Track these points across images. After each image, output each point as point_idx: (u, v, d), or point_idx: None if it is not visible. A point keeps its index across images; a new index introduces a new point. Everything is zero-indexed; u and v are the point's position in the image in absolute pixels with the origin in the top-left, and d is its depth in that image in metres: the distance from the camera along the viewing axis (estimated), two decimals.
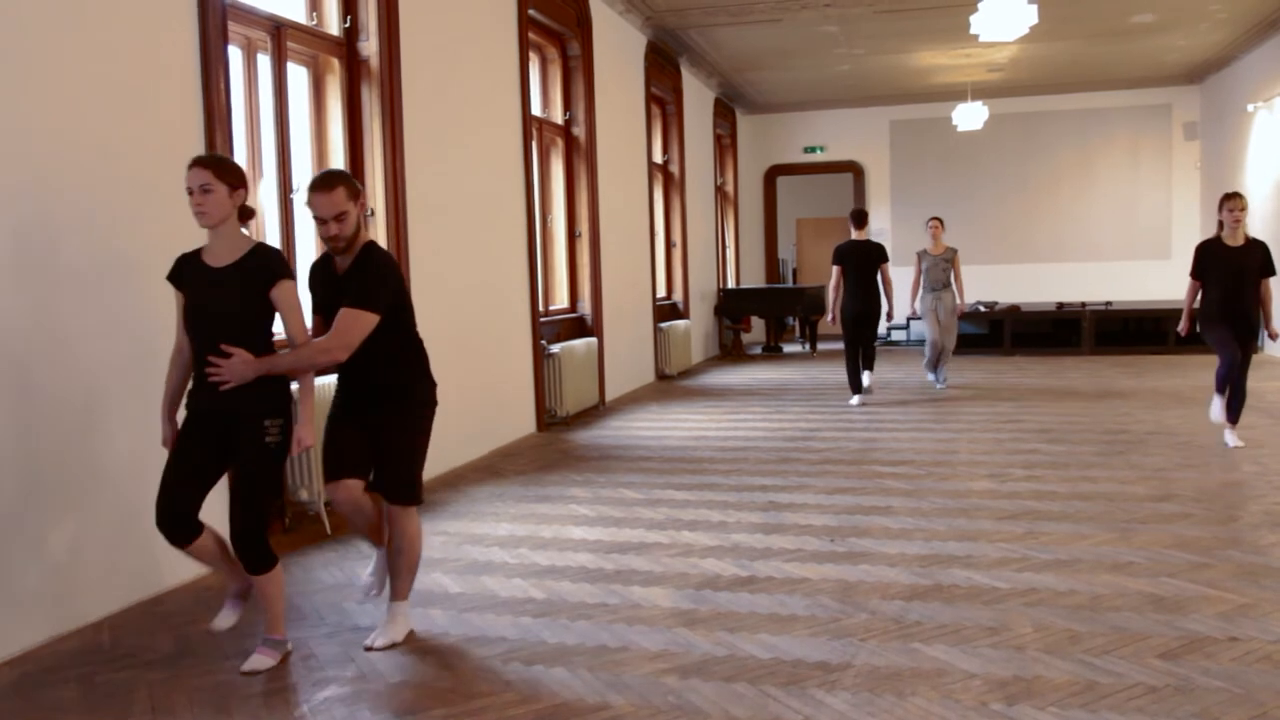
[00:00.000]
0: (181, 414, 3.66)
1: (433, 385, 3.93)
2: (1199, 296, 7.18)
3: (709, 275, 15.41)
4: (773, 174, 17.98)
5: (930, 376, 10.85)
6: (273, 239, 5.68)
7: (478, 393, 7.47)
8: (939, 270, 10.43)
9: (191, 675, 3.56)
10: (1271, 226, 12.39)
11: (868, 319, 9.86)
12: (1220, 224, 6.98)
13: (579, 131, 9.84)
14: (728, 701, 3.22)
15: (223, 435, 3.55)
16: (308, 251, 6.09)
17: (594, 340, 9.77)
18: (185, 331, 3.59)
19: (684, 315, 13.66)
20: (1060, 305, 14.75)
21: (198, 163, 3.53)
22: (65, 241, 4.03)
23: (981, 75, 14.88)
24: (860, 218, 10.05)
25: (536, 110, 9.10)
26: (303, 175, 6.02)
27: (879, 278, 9.82)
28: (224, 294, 3.51)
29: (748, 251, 17.72)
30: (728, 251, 16.82)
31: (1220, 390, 7.09)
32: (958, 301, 10.51)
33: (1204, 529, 5.06)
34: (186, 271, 3.58)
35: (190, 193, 3.48)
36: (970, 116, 14.35)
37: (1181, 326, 7.34)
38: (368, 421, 3.79)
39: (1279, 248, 7.52)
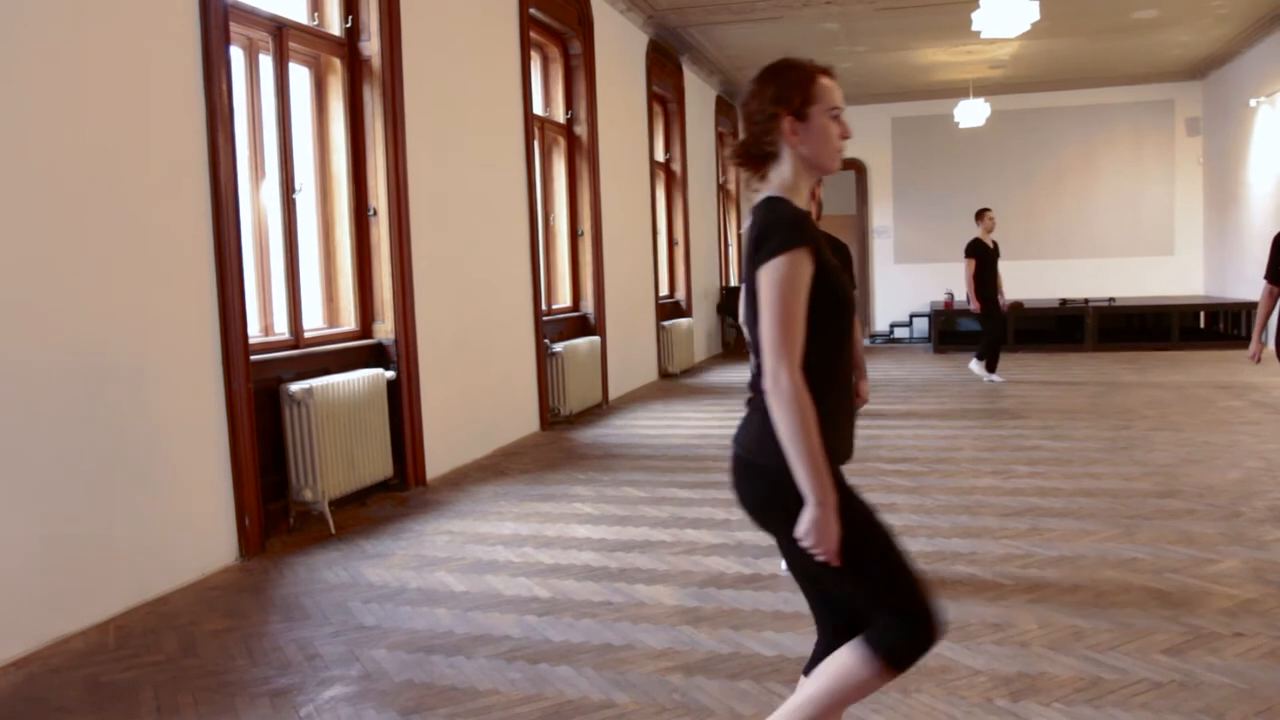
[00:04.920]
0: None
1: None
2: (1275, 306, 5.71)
3: (711, 273, 15.40)
4: None
5: None
6: (275, 241, 5.68)
7: (481, 392, 7.49)
8: None
9: (197, 675, 3.57)
10: (1274, 223, 12.37)
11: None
12: None
13: (581, 130, 9.84)
14: (732, 699, 3.22)
15: None
16: (309, 253, 6.10)
17: (597, 339, 9.76)
18: (833, 330, 2.24)
19: (686, 313, 13.65)
20: (1063, 301, 14.73)
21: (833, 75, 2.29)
22: (65, 241, 4.03)
23: (983, 72, 14.86)
24: (977, 215, 11.10)
25: (538, 109, 9.10)
26: (305, 176, 6.04)
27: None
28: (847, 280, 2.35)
29: None
30: (730, 249, 16.80)
31: None
32: None
33: (1208, 525, 5.05)
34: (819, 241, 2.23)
35: (836, 117, 2.25)
36: (972, 113, 14.34)
37: (1252, 350, 5.78)
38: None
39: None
